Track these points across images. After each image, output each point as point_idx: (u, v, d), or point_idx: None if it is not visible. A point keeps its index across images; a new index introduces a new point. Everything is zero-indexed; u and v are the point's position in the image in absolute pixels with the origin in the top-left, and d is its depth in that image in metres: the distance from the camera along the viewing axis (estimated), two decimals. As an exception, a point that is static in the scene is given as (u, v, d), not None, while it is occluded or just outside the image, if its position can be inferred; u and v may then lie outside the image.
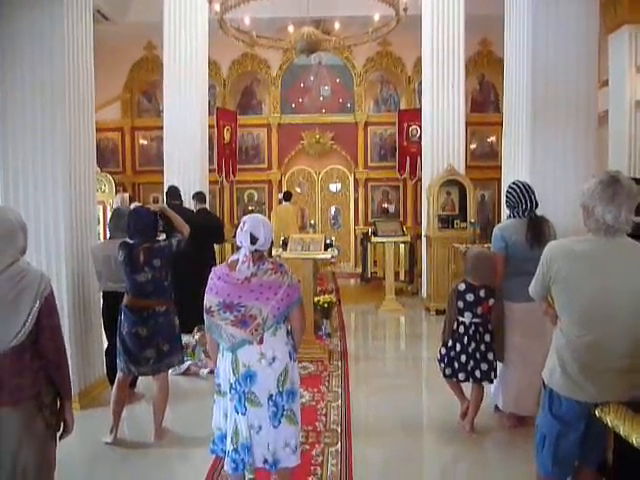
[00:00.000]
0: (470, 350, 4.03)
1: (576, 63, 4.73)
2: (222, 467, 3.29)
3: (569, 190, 4.52)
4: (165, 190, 7.59)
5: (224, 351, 2.94)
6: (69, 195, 4.67)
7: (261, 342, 2.85)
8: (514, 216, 4.10)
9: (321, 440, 3.95)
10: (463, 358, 4.04)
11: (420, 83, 10.01)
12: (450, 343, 4.11)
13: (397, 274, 9.43)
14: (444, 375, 4.18)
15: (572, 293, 2.46)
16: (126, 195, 8.22)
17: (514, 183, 4.18)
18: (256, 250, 2.89)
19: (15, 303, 2.25)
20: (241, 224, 2.95)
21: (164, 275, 4.00)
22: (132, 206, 6.48)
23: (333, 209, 12.27)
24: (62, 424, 2.45)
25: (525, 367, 3.94)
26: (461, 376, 4.07)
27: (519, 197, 4.06)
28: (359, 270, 11.13)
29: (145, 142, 12.10)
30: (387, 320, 8.09)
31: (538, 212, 4.08)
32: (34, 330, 2.28)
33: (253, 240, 2.86)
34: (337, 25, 8.39)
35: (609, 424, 2.28)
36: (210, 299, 2.88)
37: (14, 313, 2.25)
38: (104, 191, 9.88)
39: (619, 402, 2.32)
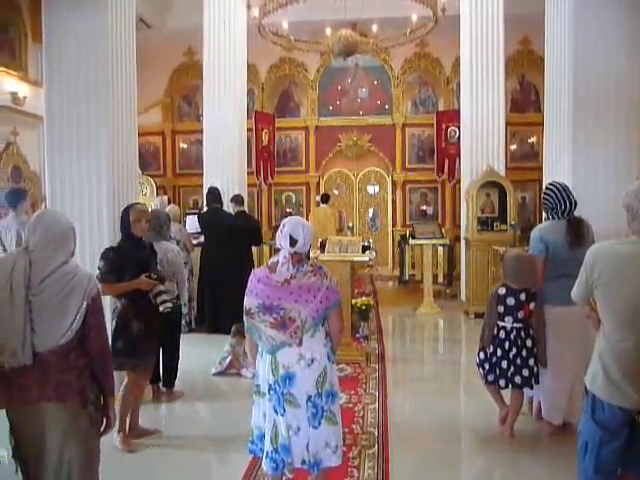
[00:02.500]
0: (511, 356, 3.95)
1: (617, 64, 4.63)
2: (259, 467, 3.32)
3: (610, 192, 4.43)
4: (205, 192, 7.71)
5: (263, 353, 2.97)
6: (112, 198, 4.81)
7: (300, 344, 2.87)
8: (552, 218, 4.04)
9: (358, 442, 3.95)
10: (504, 364, 3.97)
11: (458, 84, 9.93)
12: (491, 349, 4.04)
13: (435, 277, 9.34)
14: (486, 382, 4.12)
15: (614, 297, 2.41)
16: (165, 198, 8.40)
17: (552, 184, 4.11)
18: (295, 252, 2.90)
19: (64, 302, 2.32)
20: (281, 226, 2.97)
21: None
22: (168, 208, 6.61)
23: (371, 211, 12.24)
24: (105, 420, 2.52)
25: (564, 373, 3.86)
26: (502, 383, 4.00)
27: (557, 199, 3.99)
28: (397, 273, 11.06)
29: (185, 146, 12.32)
30: (425, 323, 8.03)
31: (577, 213, 4.00)
32: (81, 329, 2.35)
33: (292, 242, 2.88)
34: (374, 27, 8.40)
35: (653, 431, 2.23)
36: (250, 301, 2.91)
37: (63, 312, 2.32)
38: (145, 194, 10.08)
39: (664, 409, 2.26)
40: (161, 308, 3.99)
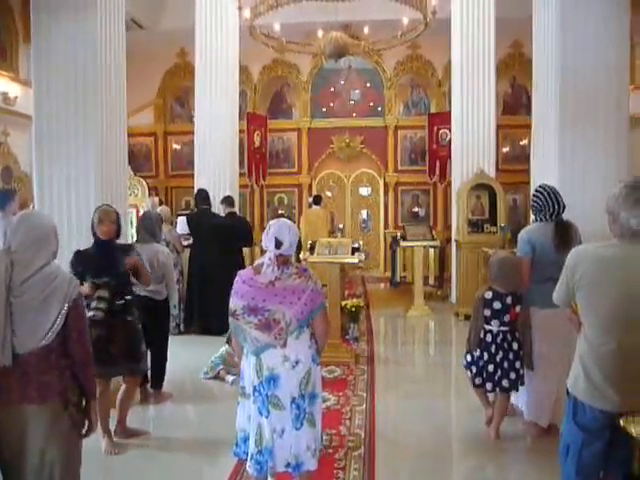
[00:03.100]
0: (498, 359, 3.96)
1: (605, 65, 4.66)
2: (245, 470, 3.32)
3: (598, 194, 4.45)
4: (195, 193, 7.72)
5: (248, 354, 2.97)
6: (101, 198, 4.77)
7: (284, 346, 2.88)
8: (540, 220, 4.06)
9: (344, 444, 3.95)
10: (491, 368, 3.97)
11: (451, 86, 9.96)
12: (477, 352, 4.05)
13: (427, 279, 9.37)
14: (474, 385, 4.13)
15: (596, 299, 2.43)
16: (156, 199, 8.40)
17: (540, 187, 4.14)
18: (281, 254, 2.92)
19: (45, 304, 2.31)
20: (267, 228, 2.99)
21: None
22: (159, 209, 6.59)
23: (364, 213, 12.25)
24: (87, 422, 2.51)
25: (551, 375, 3.88)
26: (488, 386, 4.01)
27: (546, 201, 4.02)
28: (388, 274, 11.09)
29: (177, 147, 12.31)
30: (415, 325, 8.05)
31: (565, 216, 4.02)
32: (62, 331, 2.35)
33: (278, 244, 2.89)
34: (366, 29, 8.42)
35: (633, 434, 2.24)
36: (235, 302, 2.92)
37: (44, 314, 2.31)
38: (137, 195, 10.05)
39: (644, 411, 2.27)
40: (89, 313, 3.55)
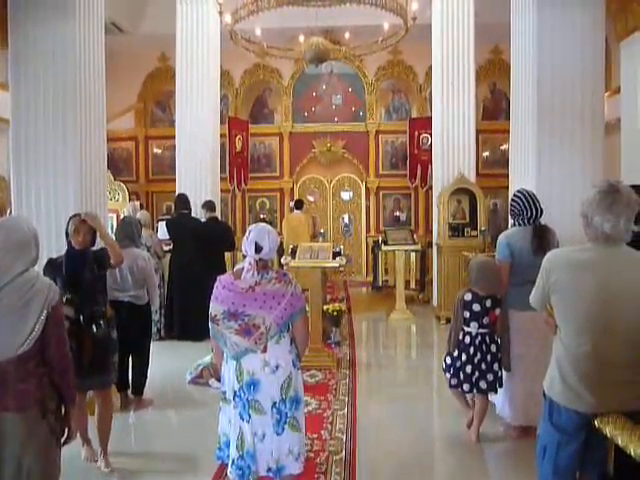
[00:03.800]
0: (476, 361, 4.01)
1: (582, 71, 4.74)
2: (226, 475, 3.31)
3: (575, 198, 4.49)
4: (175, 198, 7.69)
5: (228, 359, 2.98)
6: (80, 203, 4.74)
7: (265, 350, 2.89)
8: (519, 224, 4.11)
9: (326, 448, 3.96)
10: (469, 369, 4.02)
11: (431, 92, 10.03)
12: (456, 353, 4.10)
13: (408, 282, 9.41)
14: (450, 385, 4.17)
15: (571, 302, 2.46)
16: (137, 203, 8.33)
17: (518, 191, 4.19)
18: (260, 259, 2.93)
19: (23, 312, 2.29)
20: (247, 233, 3.00)
21: None
22: (139, 214, 6.55)
23: (345, 217, 12.28)
24: (66, 430, 2.49)
25: (529, 377, 3.92)
26: (466, 387, 4.05)
27: (524, 205, 4.07)
28: (370, 278, 11.12)
29: (159, 151, 12.23)
30: (397, 328, 8.08)
31: (543, 220, 4.08)
32: (40, 339, 2.32)
33: (258, 249, 2.90)
34: (347, 34, 8.46)
35: (608, 435, 2.28)
36: (215, 307, 2.93)
37: (22, 321, 2.28)
38: (117, 200, 9.98)
39: (618, 413, 2.31)
40: None
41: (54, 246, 4.62)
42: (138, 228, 5.01)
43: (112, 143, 11.22)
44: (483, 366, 3.99)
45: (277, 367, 2.90)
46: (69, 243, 3.79)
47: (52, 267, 3.72)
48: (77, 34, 4.73)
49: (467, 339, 4.04)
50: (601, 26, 4.86)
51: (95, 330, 3.69)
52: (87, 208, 4.81)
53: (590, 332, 2.41)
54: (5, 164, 8.99)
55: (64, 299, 3.40)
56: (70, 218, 3.86)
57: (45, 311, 2.32)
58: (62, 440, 2.50)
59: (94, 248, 3.88)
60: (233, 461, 2.94)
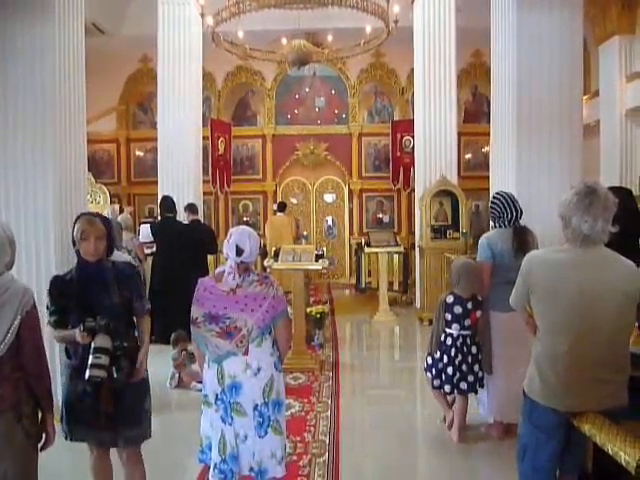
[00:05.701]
0: (457, 362, 4.04)
1: (560, 74, 4.80)
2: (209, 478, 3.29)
3: (554, 200, 4.52)
4: (159, 201, 7.62)
5: (210, 362, 2.96)
6: (60, 207, 4.68)
7: (246, 353, 2.88)
8: (499, 226, 4.14)
9: (309, 451, 3.96)
10: (450, 370, 4.05)
11: (414, 94, 10.07)
12: (437, 355, 4.13)
13: (391, 284, 9.44)
14: (432, 387, 4.19)
15: (549, 303, 2.49)
16: (117, 207, 8.26)
17: (498, 194, 4.22)
18: (242, 262, 2.91)
19: None
20: (228, 236, 2.98)
21: None
22: (120, 217, 6.50)
23: (329, 220, 12.29)
24: (44, 435, 2.46)
25: (511, 376, 3.94)
26: (447, 388, 4.08)
27: (504, 207, 4.10)
28: (354, 281, 11.14)
29: (141, 153, 12.15)
30: (380, 330, 8.10)
31: (523, 221, 4.12)
32: (15, 343, 2.29)
33: (239, 252, 2.89)
34: (329, 37, 8.47)
35: (587, 433, 2.30)
36: (196, 310, 2.91)
37: None
38: (99, 202, 9.90)
39: (596, 411, 2.34)
40: (87, 373, 2.63)
41: (33, 251, 4.55)
42: (118, 231, 4.97)
43: (93, 145, 11.12)
44: (464, 367, 4.02)
45: (259, 370, 2.89)
46: (78, 253, 2.87)
47: (60, 286, 2.85)
48: (57, 35, 4.66)
49: (449, 341, 4.07)
50: (580, 30, 4.93)
51: (116, 375, 2.76)
52: (67, 210, 4.76)
53: (568, 332, 2.44)
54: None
55: (82, 326, 2.68)
56: (76, 219, 2.90)
57: (19, 316, 2.29)
58: (40, 445, 2.46)
59: (113, 258, 3.00)
60: (215, 465, 2.92)
